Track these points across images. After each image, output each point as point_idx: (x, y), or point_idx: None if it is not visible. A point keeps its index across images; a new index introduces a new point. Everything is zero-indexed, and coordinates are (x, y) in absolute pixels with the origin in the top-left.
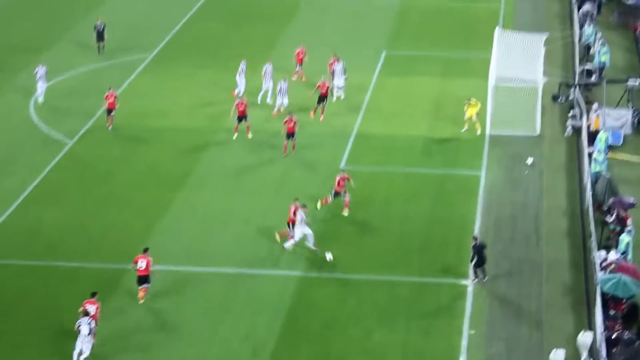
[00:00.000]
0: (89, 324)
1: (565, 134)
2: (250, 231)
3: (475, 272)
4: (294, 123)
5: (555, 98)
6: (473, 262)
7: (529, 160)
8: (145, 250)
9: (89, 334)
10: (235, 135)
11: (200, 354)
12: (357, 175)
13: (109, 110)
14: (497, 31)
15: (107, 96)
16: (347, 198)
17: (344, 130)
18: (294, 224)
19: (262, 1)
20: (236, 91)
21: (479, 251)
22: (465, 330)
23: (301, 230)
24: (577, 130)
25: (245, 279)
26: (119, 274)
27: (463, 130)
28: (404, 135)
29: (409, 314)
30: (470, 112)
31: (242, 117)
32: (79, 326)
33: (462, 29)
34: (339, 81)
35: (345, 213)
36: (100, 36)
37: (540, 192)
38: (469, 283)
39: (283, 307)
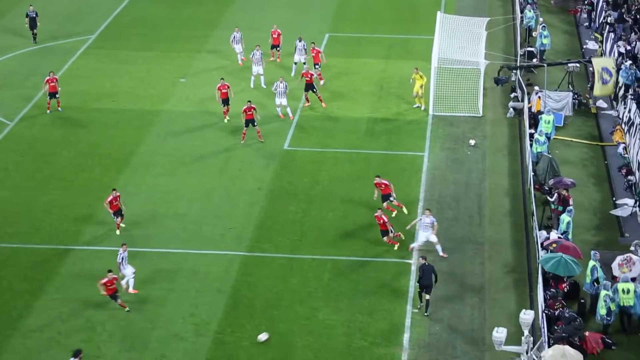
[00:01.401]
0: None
1: (507, 115)
2: (194, 212)
3: (420, 296)
4: (253, 110)
5: (497, 81)
6: (418, 284)
7: (472, 141)
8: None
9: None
10: (226, 119)
11: (143, 333)
12: (301, 156)
13: (52, 94)
14: (439, 15)
15: (47, 80)
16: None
17: (287, 113)
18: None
19: None
20: (239, 59)
21: (425, 274)
22: (409, 309)
23: (426, 235)
24: (518, 112)
25: (188, 259)
26: (61, 255)
27: (415, 106)
28: (348, 116)
29: (354, 293)
30: (417, 85)
31: (225, 99)
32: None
33: (404, 12)
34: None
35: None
36: (33, 23)
37: (482, 172)
38: (414, 309)
39: (227, 287)
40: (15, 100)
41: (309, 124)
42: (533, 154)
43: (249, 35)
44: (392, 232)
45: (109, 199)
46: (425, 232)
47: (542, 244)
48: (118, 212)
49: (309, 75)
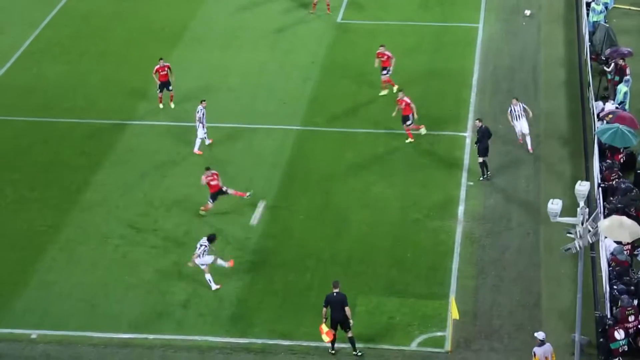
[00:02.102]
0: None
1: None
2: (247, 86)
3: (481, 164)
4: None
5: None
6: (477, 147)
7: (527, 11)
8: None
9: None
10: None
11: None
12: (354, 29)
13: (163, 84)
14: None
15: (157, 69)
16: None
17: None
18: None
19: None
20: None
21: (482, 137)
22: (464, 182)
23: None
24: None
25: (244, 133)
26: (117, 129)
27: None
28: None
29: (408, 166)
30: None
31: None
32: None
33: None
34: None
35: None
36: None
37: (537, 43)
38: (469, 182)
39: (282, 160)
40: None
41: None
42: (590, 23)
43: None
44: (412, 119)
45: (157, 68)
46: (519, 122)
47: (598, 114)
48: (165, 84)
49: None
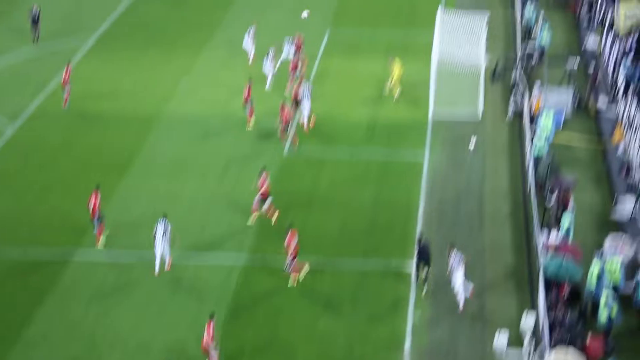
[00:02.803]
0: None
1: (508, 115)
2: (195, 217)
3: (417, 272)
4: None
5: (493, 74)
6: (415, 260)
7: (472, 143)
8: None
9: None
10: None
11: (146, 340)
12: (301, 161)
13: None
14: (440, 10)
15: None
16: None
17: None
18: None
19: None
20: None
21: (422, 250)
22: (410, 315)
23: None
24: (519, 112)
25: (189, 265)
26: (61, 263)
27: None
28: (348, 117)
29: (354, 300)
30: (397, 73)
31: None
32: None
33: (404, 11)
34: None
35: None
36: (35, 22)
37: (482, 174)
38: (412, 281)
39: (228, 294)
40: (16, 103)
41: (309, 128)
42: (533, 154)
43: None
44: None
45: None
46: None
47: (543, 245)
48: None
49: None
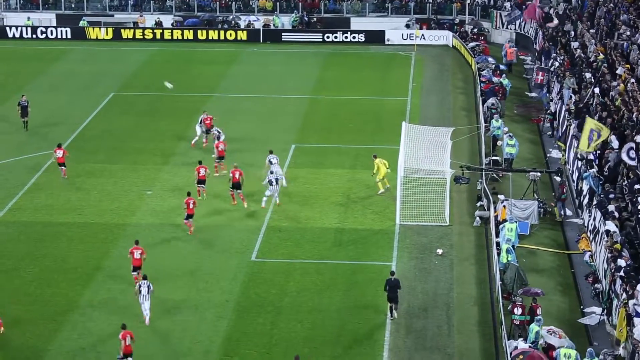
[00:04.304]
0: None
1: (474, 224)
2: (161, 326)
3: (390, 308)
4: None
5: (456, 179)
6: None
7: (439, 250)
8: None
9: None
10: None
11: None
12: (269, 267)
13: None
14: (404, 125)
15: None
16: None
17: (255, 223)
18: None
19: (169, 97)
20: (193, 141)
21: (391, 288)
22: None
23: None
24: (485, 221)
25: None
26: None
27: (379, 193)
28: (315, 226)
29: None
30: (382, 172)
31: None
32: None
33: (370, 123)
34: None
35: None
36: (24, 112)
37: (450, 282)
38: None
39: None
40: None
41: (276, 234)
42: (500, 262)
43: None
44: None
45: None
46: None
47: (511, 353)
48: None
49: (238, 173)
